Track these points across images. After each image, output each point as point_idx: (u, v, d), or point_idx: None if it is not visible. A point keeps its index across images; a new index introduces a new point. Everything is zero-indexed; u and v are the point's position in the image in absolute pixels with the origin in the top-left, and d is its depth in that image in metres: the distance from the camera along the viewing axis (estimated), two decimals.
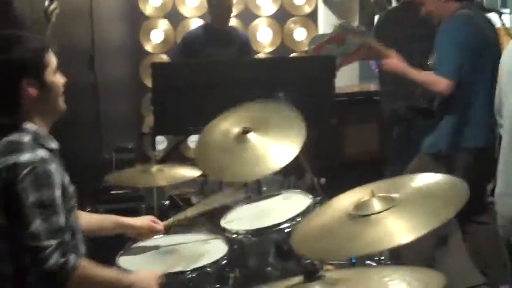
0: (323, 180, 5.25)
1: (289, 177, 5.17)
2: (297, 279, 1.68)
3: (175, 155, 5.37)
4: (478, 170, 3.38)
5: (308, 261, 1.66)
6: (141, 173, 3.03)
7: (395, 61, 3.64)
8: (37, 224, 1.84)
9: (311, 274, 1.63)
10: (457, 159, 3.45)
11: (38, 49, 2.01)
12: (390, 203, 1.76)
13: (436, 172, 1.97)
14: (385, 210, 1.74)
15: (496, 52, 3.34)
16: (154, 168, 3.01)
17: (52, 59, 2.04)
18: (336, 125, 4.32)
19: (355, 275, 1.82)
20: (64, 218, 1.92)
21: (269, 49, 6.36)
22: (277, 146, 2.59)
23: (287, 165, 2.58)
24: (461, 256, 3.72)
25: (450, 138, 3.48)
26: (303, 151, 2.87)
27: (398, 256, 3.50)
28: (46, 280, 1.89)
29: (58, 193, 1.91)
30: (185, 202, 3.33)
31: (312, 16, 6.40)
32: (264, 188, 3.73)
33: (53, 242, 1.85)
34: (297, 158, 2.93)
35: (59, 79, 2.07)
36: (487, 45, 3.44)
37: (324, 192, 3.76)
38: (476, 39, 3.43)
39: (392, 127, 4.74)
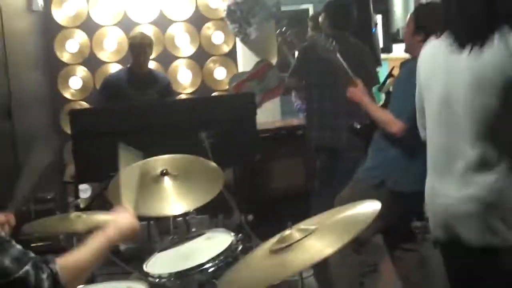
0: (250, 216, 5.25)
1: (217, 217, 5.15)
2: None
3: (100, 203, 5.25)
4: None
5: None
6: (59, 221, 2.95)
7: (359, 91, 3.50)
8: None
9: None
10: (399, 195, 3.28)
11: None
12: (308, 231, 1.84)
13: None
14: (303, 238, 1.82)
15: None
16: (73, 214, 2.92)
17: None
18: (260, 161, 4.33)
19: None
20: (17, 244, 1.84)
21: (190, 90, 6.35)
22: (190, 190, 2.77)
23: (214, 205, 2.64)
24: (391, 283, 3.75)
25: (398, 175, 3.30)
26: (229, 189, 2.87)
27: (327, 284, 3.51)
28: None
29: None
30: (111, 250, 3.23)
31: (231, 55, 6.44)
32: (194, 229, 3.67)
33: (27, 267, 1.77)
34: (224, 197, 2.92)
35: None
36: None
37: (252, 228, 3.76)
38: None
39: (317, 158, 4.78)
